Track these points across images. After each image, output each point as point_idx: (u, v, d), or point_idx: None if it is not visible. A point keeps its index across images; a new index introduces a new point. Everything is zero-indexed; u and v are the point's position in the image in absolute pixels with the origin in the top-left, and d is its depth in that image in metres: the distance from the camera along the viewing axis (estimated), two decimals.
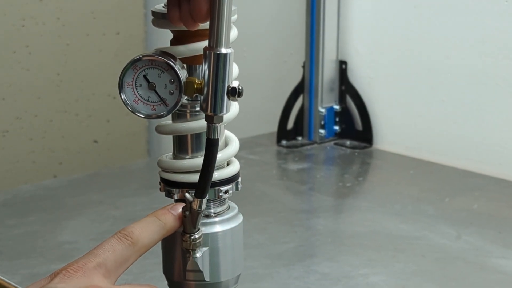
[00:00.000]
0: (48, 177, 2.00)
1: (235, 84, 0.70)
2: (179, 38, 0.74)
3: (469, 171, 1.57)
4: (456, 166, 1.60)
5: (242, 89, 0.70)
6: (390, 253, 1.20)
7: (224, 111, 0.70)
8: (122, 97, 0.72)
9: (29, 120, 2.01)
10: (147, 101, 0.72)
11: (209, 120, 0.70)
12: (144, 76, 0.72)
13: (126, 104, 0.72)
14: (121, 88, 0.71)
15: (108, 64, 2.10)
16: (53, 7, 2.00)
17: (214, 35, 0.68)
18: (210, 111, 0.69)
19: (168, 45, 0.76)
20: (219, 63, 0.69)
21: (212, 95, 0.69)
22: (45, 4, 1.98)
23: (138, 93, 0.72)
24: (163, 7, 0.75)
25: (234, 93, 0.69)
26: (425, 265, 1.16)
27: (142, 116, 0.72)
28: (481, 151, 1.58)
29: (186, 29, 0.73)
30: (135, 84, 0.72)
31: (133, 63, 0.71)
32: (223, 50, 0.69)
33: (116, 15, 2.10)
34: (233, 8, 0.73)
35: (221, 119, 0.70)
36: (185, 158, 0.76)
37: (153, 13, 0.75)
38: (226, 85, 0.69)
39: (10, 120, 1.99)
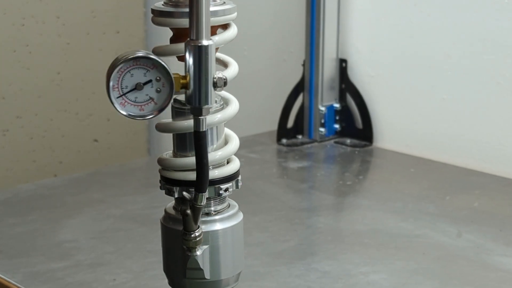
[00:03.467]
0: (48, 176, 2.00)
1: (219, 74, 0.70)
2: (179, 36, 0.74)
3: (470, 169, 1.57)
4: (457, 164, 1.60)
5: (226, 78, 0.70)
6: (390, 251, 1.20)
7: (210, 103, 0.70)
8: (112, 100, 0.72)
9: (29, 119, 2.01)
10: (134, 102, 0.72)
11: (197, 112, 0.70)
12: (130, 77, 0.71)
13: (114, 107, 0.72)
14: (108, 92, 0.71)
15: (108, 63, 2.08)
16: (53, 6, 2.00)
17: (194, 27, 0.69)
18: (197, 104, 0.70)
19: (168, 43, 0.76)
20: (201, 55, 0.69)
21: (197, 87, 0.69)
22: (45, 3, 1.98)
23: (125, 95, 0.72)
24: (162, 5, 0.75)
25: (221, 82, 0.70)
26: (426, 263, 1.16)
27: (136, 118, 0.72)
28: (482, 149, 1.58)
29: (186, 27, 0.73)
30: (121, 86, 0.72)
31: (119, 65, 0.71)
32: (204, 42, 0.69)
33: (116, 14, 2.10)
34: (232, 5, 0.73)
35: (208, 111, 0.70)
36: (185, 156, 0.76)
37: (153, 11, 0.75)
38: (211, 76, 0.70)
39: (11, 119, 1.99)
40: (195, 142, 0.71)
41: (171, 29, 0.75)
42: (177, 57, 0.75)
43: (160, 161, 0.78)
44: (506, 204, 1.39)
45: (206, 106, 0.70)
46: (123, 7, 2.11)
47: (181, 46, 0.73)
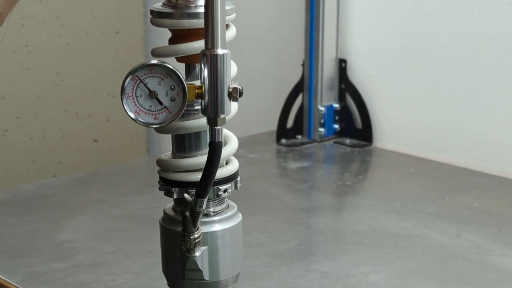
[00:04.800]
0: (48, 176, 2.00)
1: (235, 84, 0.70)
2: (178, 37, 0.74)
3: (470, 169, 1.57)
4: (457, 164, 1.60)
5: (242, 89, 0.70)
6: (390, 251, 1.20)
7: (226, 113, 0.70)
8: (126, 108, 0.71)
9: (29, 119, 2.01)
10: (149, 110, 0.72)
11: (212, 122, 0.70)
12: (144, 86, 0.71)
13: (129, 115, 0.71)
14: (122, 100, 0.71)
15: (108, 63, 2.10)
16: (53, 6, 2.00)
17: (209, 37, 0.68)
18: (213, 114, 0.69)
19: (167, 44, 0.76)
20: (217, 65, 0.68)
21: (213, 97, 0.69)
22: (44, 3, 1.98)
23: (139, 104, 0.72)
24: (161, 6, 0.74)
25: (236, 93, 0.69)
26: (426, 263, 1.16)
27: (150, 125, 0.72)
28: (482, 149, 1.58)
29: (184, 27, 0.73)
30: (135, 94, 0.71)
31: (133, 73, 0.71)
32: (220, 51, 0.68)
33: (116, 14, 2.10)
34: (231, 6, 0.73)
35: (223, 121, 0.70)
36: (184, 157, 0.76)
37: (152, 12, 0.75)
38: (226, 86, 0.69)
39: (10, 119, 1.99)
40: (210, 151, 0.70)
41: (170, 30, 0.75)
42: (176, 58, 0.75)
43: (159, 162, 0.78)
44: (506, 204, 1.39)
45: (222, 116, 0.69)
46: (122, 7, 2.11)
47: (180, 47, 0.73)
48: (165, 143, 2.15)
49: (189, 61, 0.73)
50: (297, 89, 1.78)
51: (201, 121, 0.72)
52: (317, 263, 1.16)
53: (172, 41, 0.75)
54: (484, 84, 1.56)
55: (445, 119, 1.63)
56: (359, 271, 1.13)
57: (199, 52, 0.71)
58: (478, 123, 1.58)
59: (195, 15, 0.72)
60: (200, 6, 0.72)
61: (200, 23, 0.72)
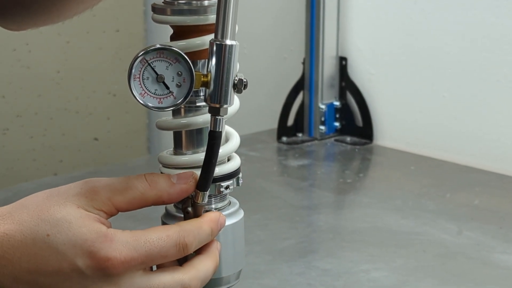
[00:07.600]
0: (48, 175, 2.00)
1: (241, 76, 0.70)
2: (180, 34, 0.74)
3: (470, 166, 1.57)
4: (457, 161, 1.60)
5: (247, 81, 0.70)
6: (391, 249, 1.20)
7: (229, 103, 0.70)
8: (132, 90, 0.72)
9: (29, 118, 2.01)
10: (154, 94, 0.72)
11: (215, 112, 0.70)
12: (152, 69, 0.71)
13: (134, 97, 0.72)
14: (129, 81, 0.71)
15: (108, 61, 2.10)
16: None
17: (220, 27, 0.69)
18: (216, 103, 0.70)
19: (168, 41, 0.76)
20: (225, 55, 0.69)
21: (218, 86, 0.70)
22: None
23: (145, 86, 0.72)
24: (162, 2, 0.75)
25: (241, 85, 0.70)
26: (426, 260, 1.16)
27: (154, 109, 0.72)
28: (482, 146, 1.58)
29: (186, 24, 0.73)
30: (142, 77, 0.72)
31: (142, 55, 0.71)
32: (229, 42, 0.69)
33: (116, 12, 2.10)
34: None
35: (226, 111, 0.70)
36: (185, 154, 0.76)
37: (153, 8, 0.75)
38: (232, 77, 0.70)
39: (11, 118, 1.99)
40: (209, 141, 0.70)
41: (172, 26, 0.75)
42: None
43: (160, 159, 0.78)
44: (507, 202, 1.39)
45: (225, 106, 0.70)
46: (123, 6, 2.11)
47: (182, 43, 0.73)
48: (166, 141, 2.15)
49: (191, 58, 0.73)
50: (298, 87, 1.78)
51: (204, 117, 0.73)
52: (318, 261, 1.16)
53: (173, 38, 0.75)
54: (484, 82, 1.56)
55: (446, 116, 1.63)
56: (360, 269, 1.13)
57: (200, 49, 0.71)
58: (479, 121, 1.58)
59: (197, 11, 0.72)
60: (202, 2, 0.72)
61: (202, 19, 0.72)
